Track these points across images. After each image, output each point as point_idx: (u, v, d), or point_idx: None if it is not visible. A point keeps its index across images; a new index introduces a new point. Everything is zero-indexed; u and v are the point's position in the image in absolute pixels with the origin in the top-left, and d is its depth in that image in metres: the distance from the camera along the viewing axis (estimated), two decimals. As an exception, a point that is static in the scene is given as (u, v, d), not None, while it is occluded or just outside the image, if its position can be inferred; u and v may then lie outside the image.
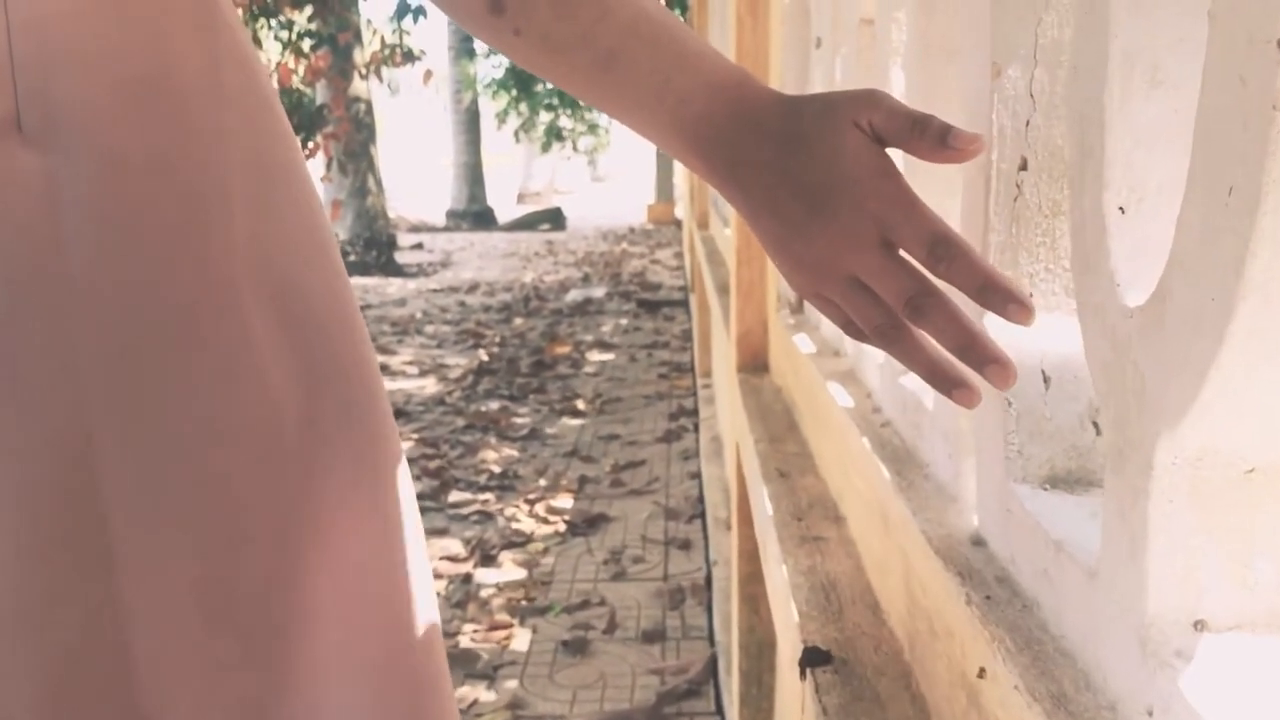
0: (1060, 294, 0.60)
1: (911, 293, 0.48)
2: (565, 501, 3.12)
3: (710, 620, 2.36)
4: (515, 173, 21.49)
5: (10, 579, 0.41)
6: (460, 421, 4.06)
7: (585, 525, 2.91)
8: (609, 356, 5.35)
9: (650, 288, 7.80)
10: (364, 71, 8.06)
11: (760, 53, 1.49)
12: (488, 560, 2.69)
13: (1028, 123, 0.58)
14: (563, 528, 2.90)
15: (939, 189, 0.81)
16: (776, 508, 0.98)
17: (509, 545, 2.79)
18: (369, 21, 8.08)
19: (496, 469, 3.44)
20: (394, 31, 7.68)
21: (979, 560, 0.58)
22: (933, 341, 0.49)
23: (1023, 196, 0.59)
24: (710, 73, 0.53)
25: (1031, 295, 0.60)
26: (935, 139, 0.48)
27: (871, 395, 0.94)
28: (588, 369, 5.05)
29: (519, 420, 4.06)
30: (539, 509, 3.03)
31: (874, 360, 0.96)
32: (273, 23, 7.29)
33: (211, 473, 0.44)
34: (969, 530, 0.63)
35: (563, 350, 5.45)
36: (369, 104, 8.98)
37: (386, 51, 7.74)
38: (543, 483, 3.28)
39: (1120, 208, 0.41)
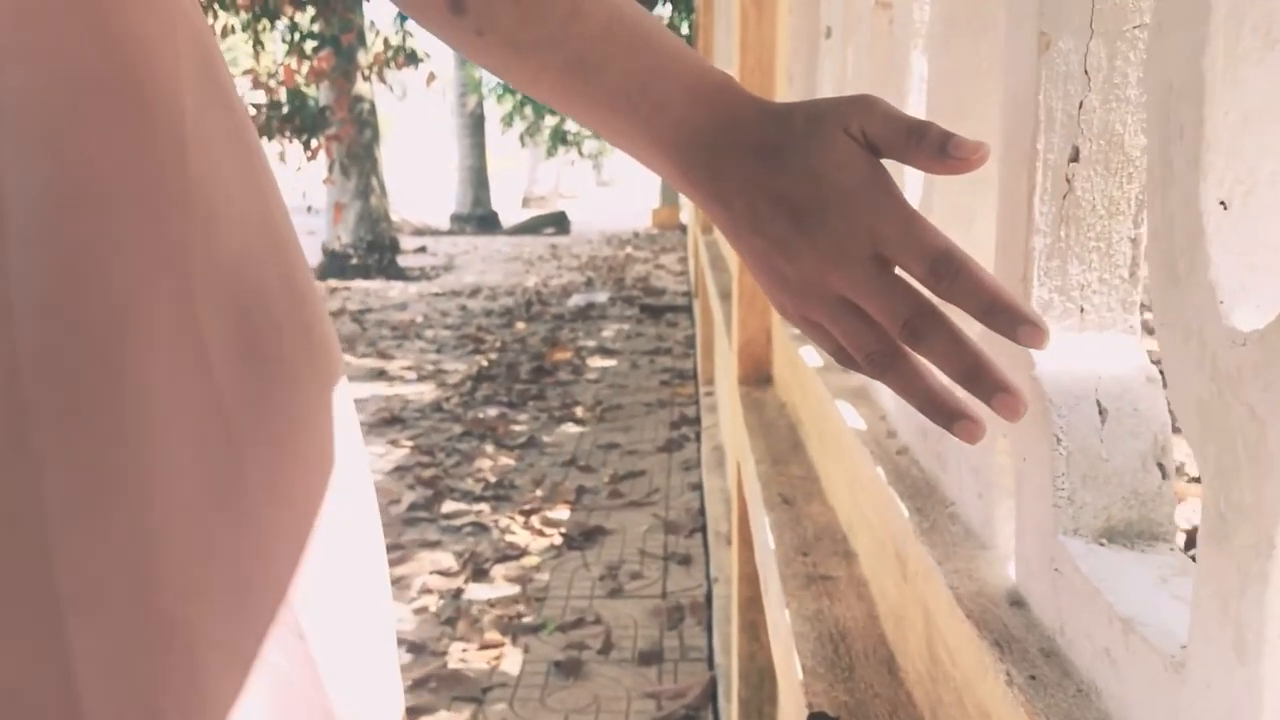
0: (1117, 309, 0.50)
1: (908, 314, 0.43)
2: (562, 513, 3.02)
3: (710, 641, 2.26)
4: (520, 177, 21.44)
5: None
6: (457, 429, 3.97)
7: (582, 538, 2.82)
8: (610, 363, 5.26)
9: (654, 293, 7.71)
10: (367, 73, 7.99)
11: (766, 46, 1.40)
12: (480, 575, 2.60)
13: (1080, 105, 0.49)
14: (559, 541, 2.81)
15: (959, 186, 0.72)
16: (779, 539, 0.88)
17: (502, 559, 2.69)
18: (372, 23, 8.00)
19: (492, 478, 3.35)
20: (397, 33, 7.61)
21: (1019, 626, 0.49)
22: (931, 368, 0.45)
23: (1073, 193, 0.50)
24: (689, 77, 0.48)
25: (1083, 311, 0.50)
26: (934, 147, 0.43)
27: (886, 417, 0.85)
28: (589, 375, 4.96)
29: (517, 428, 3.97)
30: (535, 521, 2.93)
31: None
32: (276, 24, 7.22)
33: (151, 473, 0.41)
34: (1005, 586, 0.53)
35: (563, 356, 5.36)
36: (372, 106, 8.90)
37: (389, 53, 7.67)
38: (539, 493, 3.19)
39: (1222, 202, 0.32)
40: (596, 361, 5.29)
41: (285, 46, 7.50)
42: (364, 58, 8.18)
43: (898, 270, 0.44)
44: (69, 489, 0.39)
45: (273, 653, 0.44)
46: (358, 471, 0.51)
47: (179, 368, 0.42)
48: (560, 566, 2.66)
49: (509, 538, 2.83)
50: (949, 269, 0.42)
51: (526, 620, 2.36)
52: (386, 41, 7.76)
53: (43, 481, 0.39)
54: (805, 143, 0.45)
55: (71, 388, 0.40)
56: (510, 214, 15.80)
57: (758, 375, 1.45)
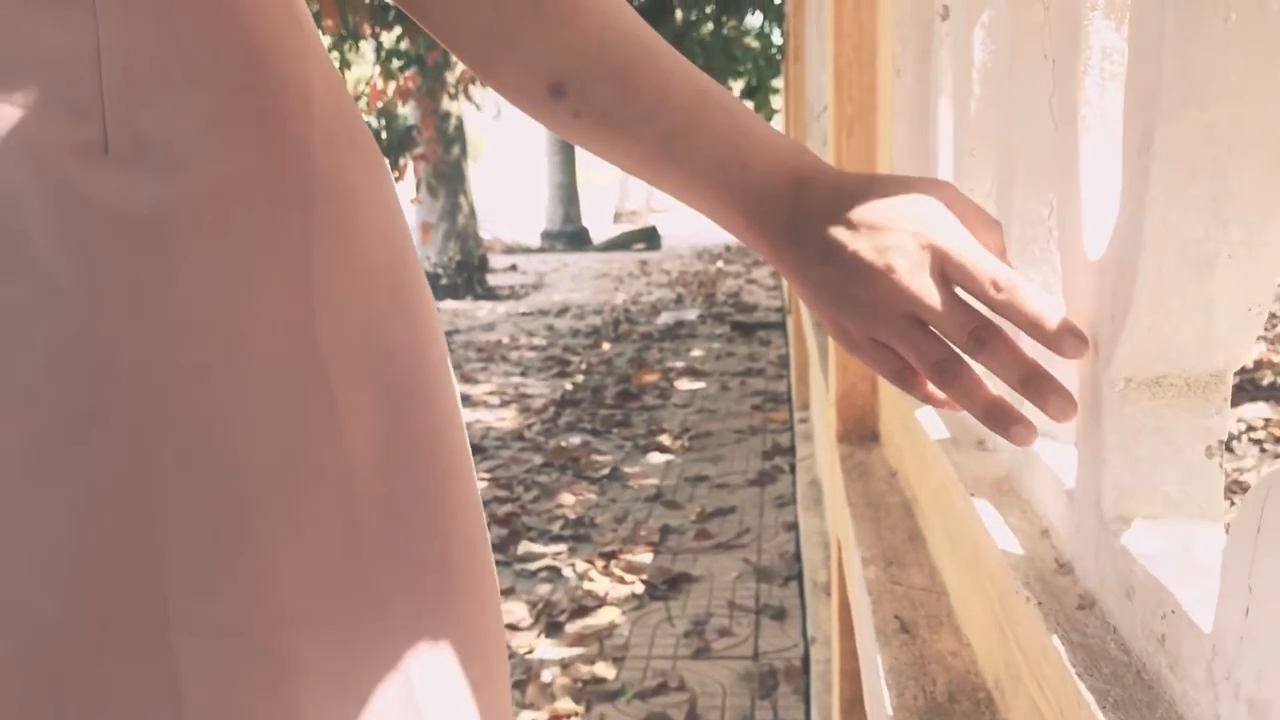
0: None
1: (974, 325, 0.48)
2: (644, 556, 2.80)
3: (808, 713, 2.01)
4: (612, 192, 21.38)
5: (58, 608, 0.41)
6: (538, 459, 3.79)
7: (665, 587, 2.59)
8: (699, 385, 5.02)
9: (745, 309, 7.45)
10: (453, 91, 7.93)
11: (865, 34, 1.16)
12: (554, 629, 2.39)
13: None
14: (640, 589, 2.59)
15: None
16: (898, 696, 0.64)
17: (579, 610, 2.48)
18: (458, 41, 7.95)
19: (572, 515, 3.15)
20: (482, 50, 7.53)
21: None
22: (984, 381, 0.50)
23: None
24: (771, 138, 0.53)
25: None
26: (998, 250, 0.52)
27: (1050, 535, 0.60)
28: (676, 399, 4.73)
29: (600, 458, 3.76)
30: (615, 566, 2.72)
31: (1047, 473, 0.62)
32: (361, 45, 7.21)
33: (268, 543, 0.43)
34: None
35: (650, 378, 5.15)
36: (460, 124, 8.86)
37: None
38: (621, 533, 2.97)
39: None
40: (685, 384, 5.06)
41: (375, 68, 7.49)
42: (451, 76, 8.14)
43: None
44: (188, 525, 0.41)
45: (379, 696, 0.45)
46: (475, 513, 0.54)
47: (306, 421, 0.44)
48: (642, 620, 2.43)
49: (587, 585, 2.62)
50: (1006, 287, 0.48)
51: (603, 684, 2.14)
52: (471, 59, 7.70)
53: (161, 519, 0.41)
54: (885, 188, 0.51)
55: (192, 426, 0.41)
56: (602, 230, 15.70)
57: (861, 432, 1.20)
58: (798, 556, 2.73)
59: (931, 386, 0.53)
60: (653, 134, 0.52)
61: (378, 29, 7.24)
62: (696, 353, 5.91)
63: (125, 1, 0.41)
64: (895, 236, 0.49)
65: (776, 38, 11.48)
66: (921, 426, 0.87)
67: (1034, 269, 0.70)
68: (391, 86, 7.41)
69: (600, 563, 2.75)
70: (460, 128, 8.87)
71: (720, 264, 10.93)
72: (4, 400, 0.40)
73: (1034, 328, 0.48)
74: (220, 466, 0.42)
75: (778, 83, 11.43)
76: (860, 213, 0.50)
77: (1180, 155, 0.42)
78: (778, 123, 10.74)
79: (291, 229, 0.45)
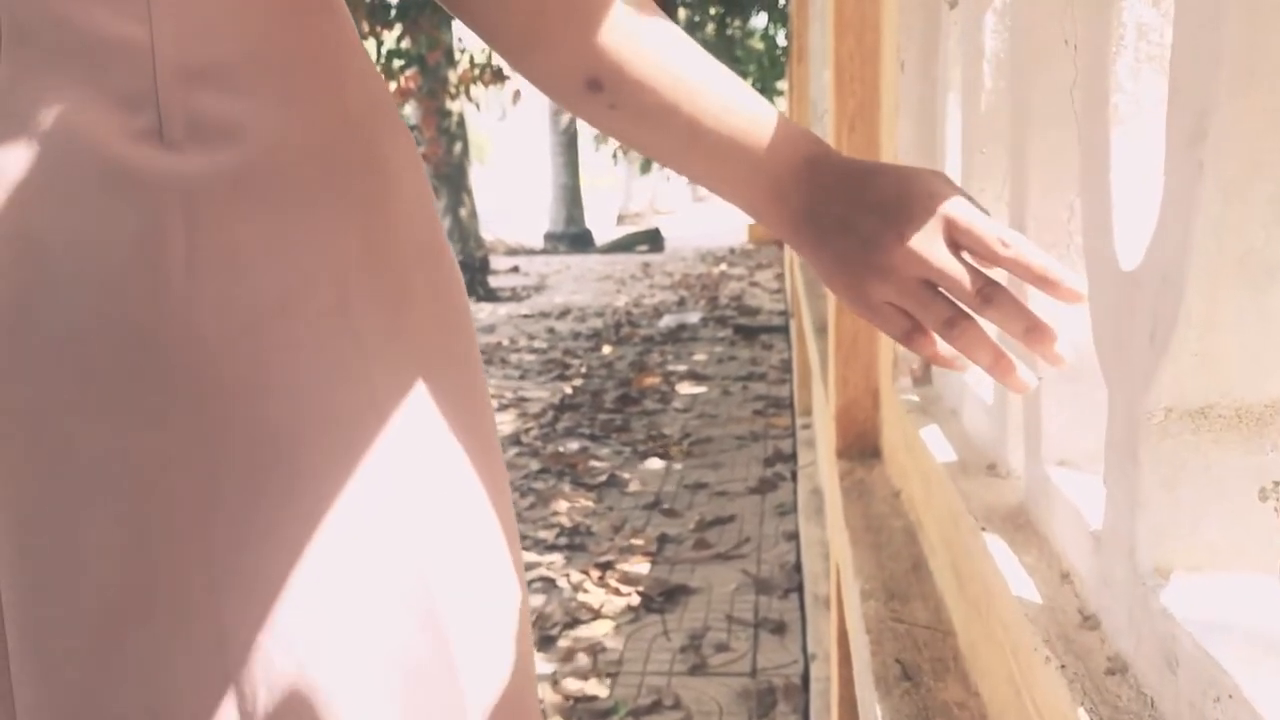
0: None
1: (980, 284, 0.53)
2: (641, 566, 2.73)
3: (806, 733, 1.94)
4: (616, 193, 21.32)
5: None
6: (535, 465, 3.72)
7: (662, 599, 2.52)
8: (700, 389, 4.95)
9: (748, 312, 7.38)
10: (454, 91, 7.87)
11: (868, 25, 1.09)
12: (546, 642, 2.32)
13: None
14: (636, 601, 2.52)
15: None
16: (899, 757, 0.57)
17: (572, 623, 2.41)
18: (459, 40, 7.89)
19: (568, 523, 3.08)
20: (484, 50, 7.47)
21: None
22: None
23: None
24: (787, 125, 0.57)
25: None
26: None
27: (1072, 580, 0.53)
28: (676, 404, 4.66)
29: (598, 464, 3.69)
30: (610, 577, 2.65)
31: (1068, 509, 0.55)
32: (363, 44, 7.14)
33: (304, 479, 0.45)
34: None
35: (651, 382, 5.08)
36: (461, 124, 8.80)
37: (476, 71, 7.54)
38: (618, 541, 2.90)
39: None
40: (686, 388, 4.99)
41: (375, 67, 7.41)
42: (453, 75, 8.08)
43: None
44: (237, 488, 0.44)
45: (410, 639, 0.48)
46: (495, 461, 0.58)
47: (335, 362, 0.46)
48: (637, 634, 2.36)
49: (581, 597, 2.55)
50: (1009, 245, 0.53)
51: (595, 701, 2.07)
52: (473, 59, 7.63)
53: (215, 481, 0.43)
54: (896, 167, 0.56)
55: (243, 389, 0.44)
56: (605, 231, 15.63)
57: (862, 447, 1.13)
58: (798, 567, 2.66)
59: (939, 345, 0.57)
60: (681, 123, 0.55)
61: (379, 28, 7.18)
62: (698, 356, 5.84)
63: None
64: (907, 207, 0.54)
65: (780, 39, 11.41)
66: (926, 447, 0.81)
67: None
68: (392, 86, 7.35)
69: (595, 573, 2.68)
70: (462, 127, 8.80)
71: (724, 266, 10.86)
72: (66, 370, 0.42)
73: (1039, 280, 0.52)
74: (267, 433, 0.44)
75: (781, 85, 11.36)
76: (874, 187, 0.55)
77: (1241, 146, 0.35)
78: (782, 124, 10.62)
79: (333, 200, 0.47)
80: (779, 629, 2.36)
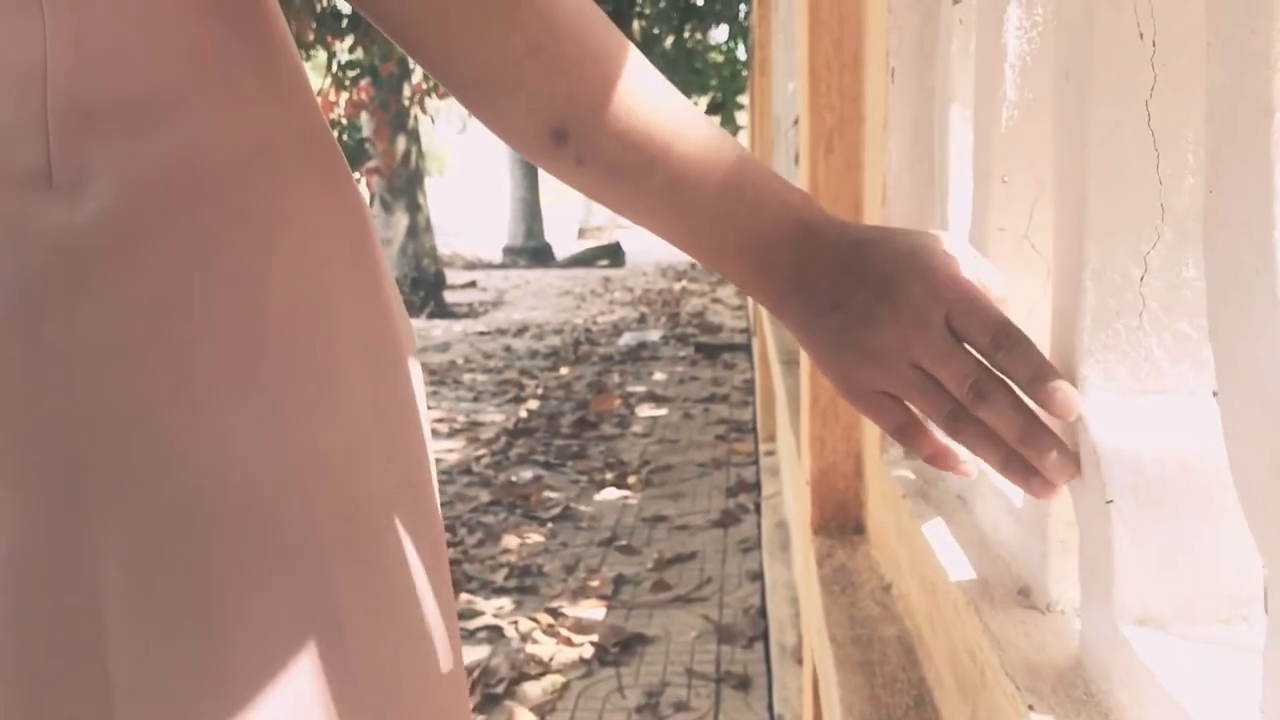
0: None
1: (975, 376, 0.48)
2: (595, 611, 2.55)
3: (773, 808, 1.77)
4: (576, 207, 21.16)
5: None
6: (485, 496, 3.52)
7: (617, 650, 2.34)
8: (661, 412, 4.78)
9: (710, 329, 7.24)
10: (408, 103, 7.66)
11: (849, 26, 0.93)
12: (490, 702, 2.13)
13: None
14: (589, 652, 2.33)
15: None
16: None
17: (520, 678, 2.22)
18: (413, 51, 7.67)
19: (518, 561, 2.89)
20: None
21: None
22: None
23: None
24: (781, 189, 0.52)
25: None
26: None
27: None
28: (636, 428, 4.49)
29: (552, 495, 3.50)
30: (562, 625, 2.46)
31: (1167, 701, 0.38)
32: (313, 54, 6.93)
33: (199, 564, 0.41)
34: None
35: (609, 405, 4.90)
36: (416, 137, 8.58)
37: (430, 83, 7.34)
38: (570, 583, 2.72)
39: None
40: (646, 410, 4.82)
41: (326, 79, 7.20)
42: (407, 87, 7.87)
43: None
44: (128, 567, 0.39)
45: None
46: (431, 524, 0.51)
47: (242, 439, 0.42)
48: (590, 690, 2.18)
49: (530, 648, 2.36)
50: (1009, 339, 0.48)
51: (542, 771, 1.88)
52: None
53: (100, 559, 0.39)
54: (894, 236, 0.51)
55: (133, 456, 0.39)
56: (565, 245, 15.46)
57: (842, 522, 0.96)
58: (763, 612, 2.49)
59: (940, 441, 0.53)
60: (657, 183, 0.50)
61: (330, 38, 6.97)
62: (658, 376, 5.68)
63: (75, 19, 0.39)
64: (904, 286, 0.50)
65: (741, 53, 11.33)
66: (932, 553, 0.63)
67: (1121, 359, 0.46)
68: (344, 98, 7.13)
69: (546, 619, 2.49)
70: (417, 139, 8.59)
71: (685, 282, 10.72)
72: None
73: (1027, 387, 0.48)
74: (163, 508, 0.40)
75: (743, 99, 11.27)
76: (869, 261, 0.51)
77: None
78: (742, 138, 10.58)
79: (241, 247, 0.42)
80: (743, 684, 2.18)
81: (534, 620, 2.49)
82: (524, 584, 2.74)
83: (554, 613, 2.53)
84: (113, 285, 0.39)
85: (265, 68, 0.46)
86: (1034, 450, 0.48)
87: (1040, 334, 0.67)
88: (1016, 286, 0.65)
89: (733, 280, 0.54)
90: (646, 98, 0.49)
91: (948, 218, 0.73)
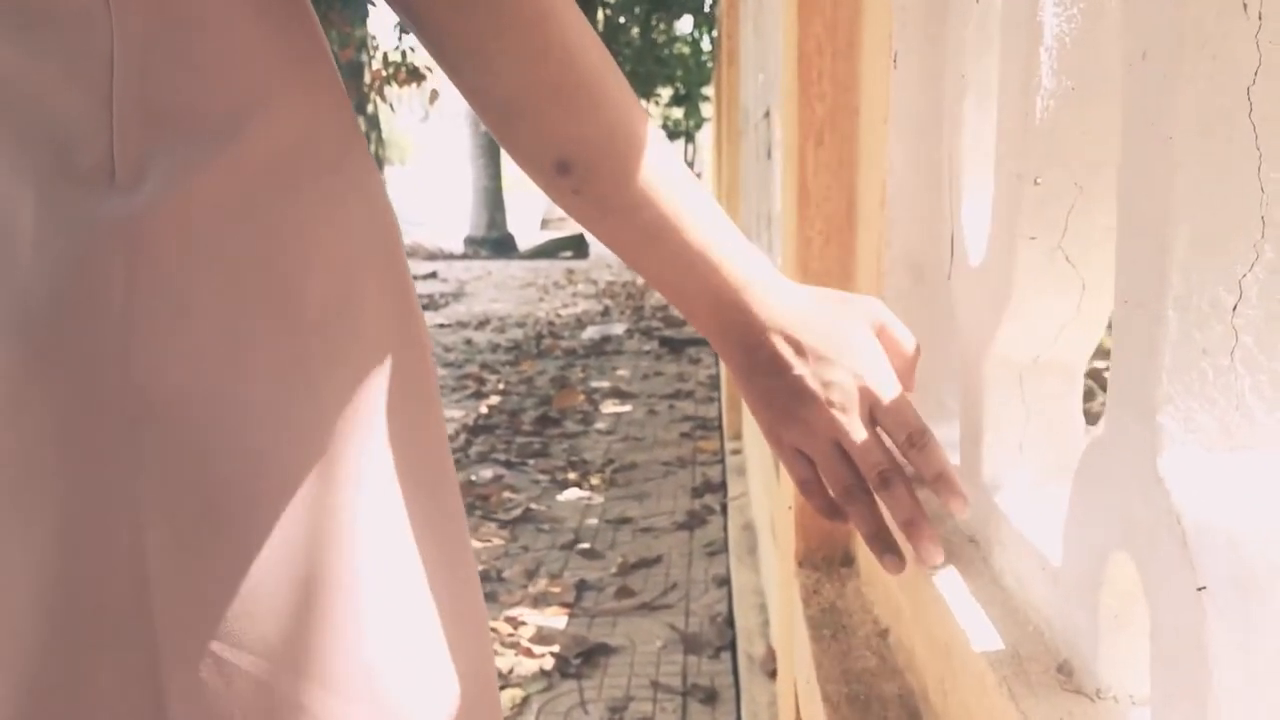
0: None
1: (884, 465, 0.57)
2: (557, 619, 2.45)
3: (743, 832, 1.69)
4: (539, 198, 20.98)
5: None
6: (444, 496, 3.41)
7: (580, 661, 2.25)
8: (625, 408, 4.69)
9: (675, 323, 7.15)
10: (367, 90, 7.49)
11: (843, 7, 0.84)
12: (446, 719, 2.03)
13: None
14: (550, 663, 2.24)
15: None
16: None
17: (478, 692, 2.12)
18: (373, 37, 7.51)
19: (478, 565, 2.79)
20: (397, 47, 7.11)
21: None
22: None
23: None
24: (738, 249, 0.58)
25: None
26: (910, 367, 0.61)
27: None
28: (599, 424, 4.39)
29: (513, 496, 3.40)
30: (522, 633, 2.37)
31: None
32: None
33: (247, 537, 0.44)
34: None
35: (573, 401, 4.80)
36: (376, 125, 8.40)
37: (390, 70, 7.18)
38: (531, 590, 2.62)
39: None
40: (610, 406, 4.73)
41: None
42: (367, 74, 7.69)
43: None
44: (173, 538, 0.42)
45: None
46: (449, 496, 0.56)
47: (285, 416, 0.45)
48: (550, 705, 2.09)
49: (489, 659, 2.26)
50: (921, 441, 0.57)
51: (501, 794, 1.79)
52: (385, 57, 7.27)
53: (146, 530, 0.42)
54: (837, 318, 0.58)
55: (189, 437, 0.42)
56: (528, 236, 15.30)
57: (829, 553, 0.88)
58: (731, 621, 2.41)
59: (832, 504, 0.60)
60: (640, 222, 0.56)
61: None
62: (623, 371, 5.59)
63: (141, 22, 0.42)
64: (837, 372, 0.57)
65: (706, 44, 11.23)
66: (951, 617, 0.55)
67: (1207, 406, 0.38)
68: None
69: (506, 629, 2.40)
70: (376, 127, 8.41)
71: (649, 274, 10.62)
72: None
73: (932, 485, 0.57)
74: (208, 476, 0.43)
75: (708, 91, 11.18)
76: (809, 339, 0.57)
77: None
78: (708, 130, 10.49)
79: (285, 249, 0.46)
80: (710, 698, 2.10)
81: (493, 630, 2.39)
82: (483, 590, 2.64)
83: (514, 621, 2.44)
84: (167, 272, 0.42)
85: (309, 67, 0.49)
86: (914, 535, 0.57)
87: (1071, 357, 0.58)
88: (1045, 304, 0.56)
89: (693, 322, 0.59)
90: (639, 150, 0.55)
91: (960, 224, 0.65)
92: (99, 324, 0.42)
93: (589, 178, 0.54)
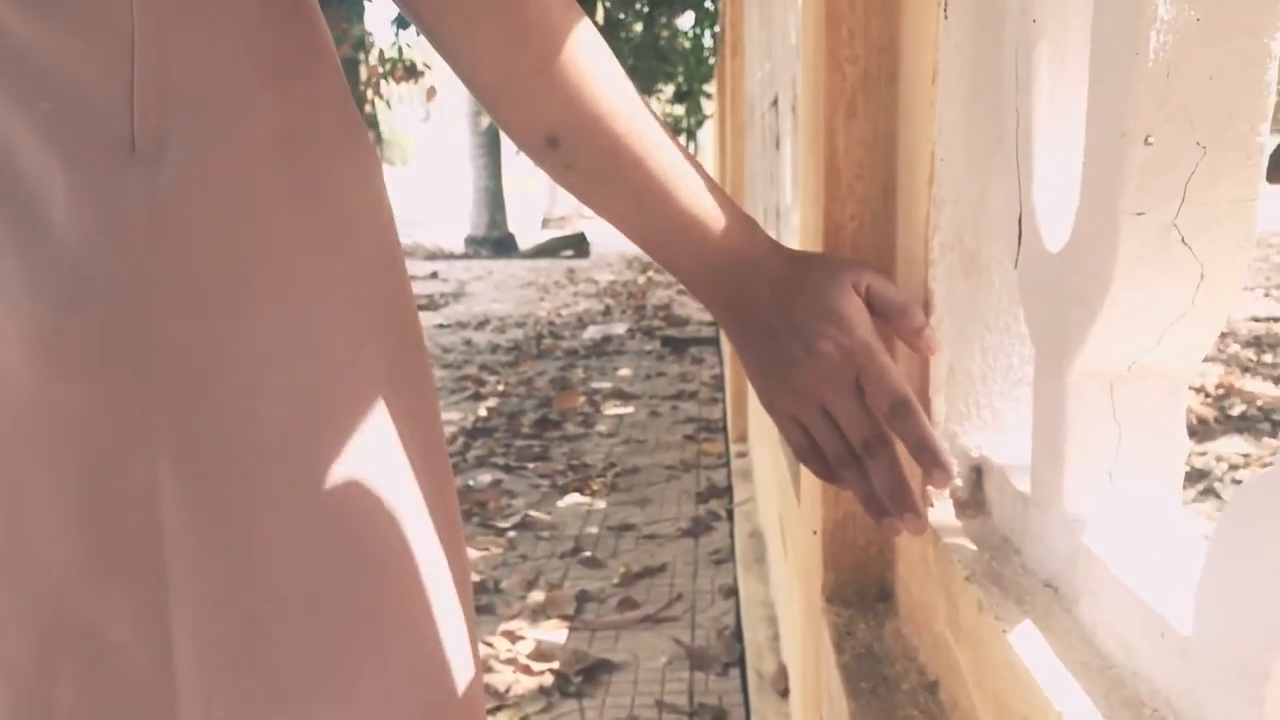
0: None
1: (869, 435, 0.58)
2: (557, 633, 2.34)
3: None
4: (540, 197, 20.87)
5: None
6: (440, 502, 3.30)
7: (581, 679, 2.14)
8: (627, 410, 4.58)
9: (677, 323, 7.04)
10: (364, 87, 7.38)
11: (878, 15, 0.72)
12: (439, 742, 1.92)
13: None
14: (549, 680, 2.13)
15: None
16: None
17: (473, 713, 2.01)
18: (369, 33, 7.40)
19: (475, 576, 2.68)
20: (393, 44, 7.00)
21: None
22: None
23: None
24: (730, 215, 0.60)
25: None
26: (911, 331, 0.60)
27: None
28: (600, 427, 4.28)
29: (512, 502, 3.29)
30: (521, 649, 2.25)
31: None
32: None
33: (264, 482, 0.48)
34: None
35: (573, 403, 4.69)
36: (374, 123, 8.29)
37: (385, 67, 7.07)
38: (530, 602, 2.51)
39: None
40: (611, 408, 4.61)
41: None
42: (363, 71, 7.58)
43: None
44: (187, 488, 0.45)
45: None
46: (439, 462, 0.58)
47: (293, 369, 0.48)
48: (549, 726, 1.98)
49: (486, 678, 2.15)
50: (903, 411, 0.57)
51: (496, 825, 1.68)
52: (382, 54, 7.16)
53: (162, 479, 0.45)
54: (821, 286, 0.59)
55: (202, 400, 0.46)
56: (529, 235, 15.19)
57: (862, 586, 0.77)
58: (739, 634, 2.30)
59: (830, 470, 0.61)
60: (629, 193, 0.58)
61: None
62: (624, 371, 5.47)
63: (160, 14, 0.45)
64: (825, 339, 0.58)
65: (708, 40, 11.12)
66: (1038, 688, 0.44)
67: None
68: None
69: (504, 644, 2.29)
70: (375, 126, 8.30)
71: (651, 273, 10.52)
72: (19, 356, 0.45)
73: (913, 450, 0.57)
74: (216, 421, 0.45)
75: (710, 88, 11.07)
76: (800, 308, 0.58)
77: None
78: (710, 125, 10.38)
79: (292, 222, 0.49)
80: (718, 718, 1.99)
81: (490, 645, 2.28)
82: (480, 602, 2.52)
83: (512, 636, 2.33)
84: (186, 236, 0.45)
85: (314, 59, 0.52)
86: (898, 504, 0.58)
87: (1177, 363, 0.47)
88: (1151, 297, 0.45)
89: (688, 286, 0.61)
90: (628, 123, 0.56)
91: (1033, 201, 0.54)
92: (122, 283, 0.45)
93: (578, 150, 0.56)
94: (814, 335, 0.57)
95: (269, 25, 0.49)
